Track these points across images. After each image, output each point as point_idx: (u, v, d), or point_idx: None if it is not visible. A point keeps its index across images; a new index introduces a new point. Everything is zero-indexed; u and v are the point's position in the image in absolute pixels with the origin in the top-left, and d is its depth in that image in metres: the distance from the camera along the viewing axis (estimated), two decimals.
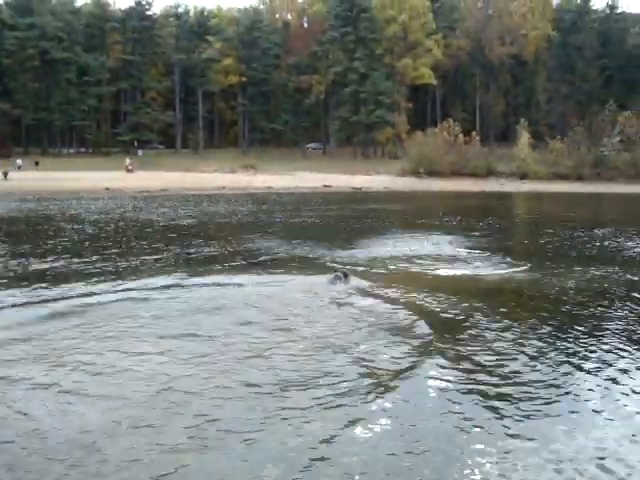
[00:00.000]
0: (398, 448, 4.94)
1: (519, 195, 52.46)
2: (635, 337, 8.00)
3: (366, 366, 6.71)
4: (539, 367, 6.80)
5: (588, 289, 11.00)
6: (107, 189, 47.23)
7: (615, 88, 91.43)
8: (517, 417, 5.54)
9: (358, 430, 5.24)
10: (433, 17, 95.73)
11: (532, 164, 68.98)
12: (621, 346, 7.53)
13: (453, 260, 14.11)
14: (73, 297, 9.72)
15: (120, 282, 11.08)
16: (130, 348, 7.26)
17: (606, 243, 18.11)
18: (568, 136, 71.86)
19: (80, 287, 10.64)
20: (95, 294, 10.01)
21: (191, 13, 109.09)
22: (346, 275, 11.05)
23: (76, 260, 13.84)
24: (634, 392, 6.10)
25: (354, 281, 10.95)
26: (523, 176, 67.49)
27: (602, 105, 78.17)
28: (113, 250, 15.90)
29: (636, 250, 16.55)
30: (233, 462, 4.72)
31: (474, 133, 75.24)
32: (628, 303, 9.76)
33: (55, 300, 9.49)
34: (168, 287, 10.67)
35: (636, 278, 12.07)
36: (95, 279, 11.38)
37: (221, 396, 5.90)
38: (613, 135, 72.27)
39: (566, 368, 6.81)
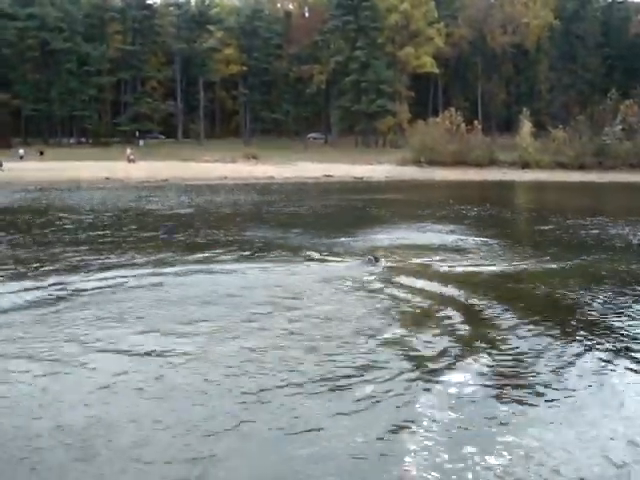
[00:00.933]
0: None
1: (522, 184, 52.42)
2: None
3: (412, 354, 6.85)
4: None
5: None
6: (108, 179, 47.20)
7: (617, 77, 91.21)
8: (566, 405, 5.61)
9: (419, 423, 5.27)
10: (435, 6, 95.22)
11: (534, 153, 68.89)
12: None
13: (463, 250, 14.11)
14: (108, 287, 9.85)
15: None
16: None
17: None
18: (570, 125, 71.75)
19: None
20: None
21: (192, 2, 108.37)
22: (377, 259, 11.91)
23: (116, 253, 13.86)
24: None
25: (384, 264, 11.70)
26: (525, 165, 67.42)
27: (604, 94, 78.08)
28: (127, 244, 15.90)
29: None
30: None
31: (476, 122, 75.08)
32: None
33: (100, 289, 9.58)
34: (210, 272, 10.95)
35: None
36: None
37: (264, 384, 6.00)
38: (615, 124, 72.16)
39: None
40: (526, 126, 71.48)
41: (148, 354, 6.72)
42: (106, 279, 10.36)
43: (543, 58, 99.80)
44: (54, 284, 9.91)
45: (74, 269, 11.51)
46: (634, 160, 67.82)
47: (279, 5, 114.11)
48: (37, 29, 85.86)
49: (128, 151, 66.37)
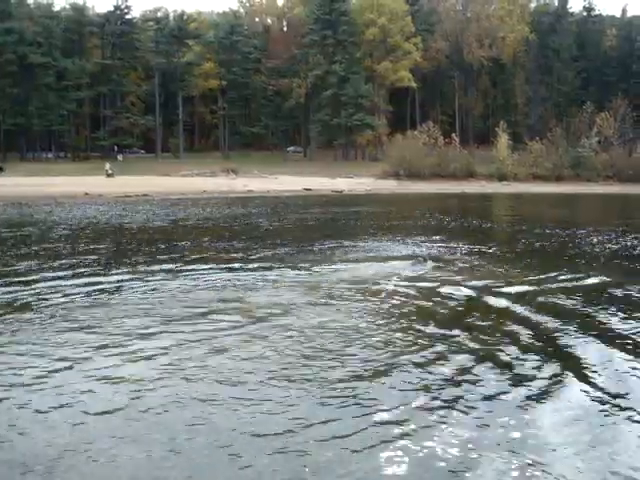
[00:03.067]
0: None
1: (500, 196, 52.83)
2: None
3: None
4: None
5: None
6: (87, 194, 46.98)
7: (592, 89, 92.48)
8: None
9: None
10: (412, 20, 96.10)
11: (511, 166, 69.62)
12: None
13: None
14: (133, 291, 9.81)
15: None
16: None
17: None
18: (547, 137, 72.64)
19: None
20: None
21: (170, 17, 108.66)
22: (425, 259, 12.95)
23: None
24: None
25: (432, 265, 12.65)
26: (502, 178, 68.09)
27: (580, 106, 79.17)
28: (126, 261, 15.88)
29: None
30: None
31: (453, 135, 75.89)
32: None
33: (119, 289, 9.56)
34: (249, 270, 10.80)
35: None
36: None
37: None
38: (591, 136, 73.16)
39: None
40: (503, 139, 72.25)
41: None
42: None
43: (519, 71, 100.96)
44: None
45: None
46: (610, 172, 68.75)
47: (258, 19, 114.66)
48: (15, 43, 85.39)
49: (107, 166, 66.20)
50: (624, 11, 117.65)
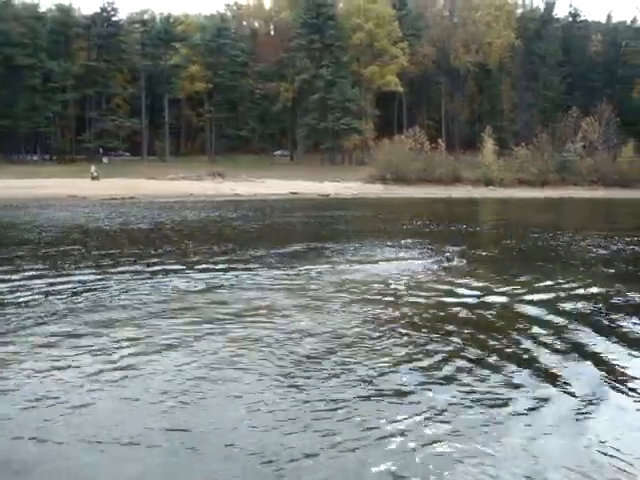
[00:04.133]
0: None
1: (486, 201, 52.98)
2: None
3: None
4: None
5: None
6: (72, 197, 46.71)
7: (578, 95, 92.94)
8: None
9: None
10: (399, 25, 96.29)
11: (497, 171, 69.86)
12: None
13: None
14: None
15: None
16: None
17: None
18: (533, 143, 72.95)
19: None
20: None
21: (157, 19, 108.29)
22: (451, 258, 13.82)
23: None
24: None
25: (458, 262, 13.67)
26: (488, 182, 68.30)
27: (565, 112, 79.61)
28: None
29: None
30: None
31: (440, 140, 76.08)
32: None
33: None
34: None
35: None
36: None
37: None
38: (576, 141, 73.58)
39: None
40: (489, 144, 72.53)
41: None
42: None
43: (505, 77, 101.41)
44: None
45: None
46: (595, 176, 69.16)
47: (245, 23, 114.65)
48: (1, 45, 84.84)
49: (92, 168, 65.84)
50: (609, 17, 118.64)
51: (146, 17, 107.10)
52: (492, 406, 5.61)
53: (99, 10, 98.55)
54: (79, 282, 11.18)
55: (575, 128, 75.10)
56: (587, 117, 75.82)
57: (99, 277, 11.78)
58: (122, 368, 6.47)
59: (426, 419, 5.30)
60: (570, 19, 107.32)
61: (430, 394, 5.84)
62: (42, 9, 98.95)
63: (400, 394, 5.83)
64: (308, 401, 5.63)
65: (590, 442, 4.95)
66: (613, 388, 6.13)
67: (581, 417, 5.45)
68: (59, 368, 6.46)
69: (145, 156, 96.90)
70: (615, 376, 6.45)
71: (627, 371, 6.61)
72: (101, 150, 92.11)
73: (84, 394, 5.78)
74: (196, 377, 6.20)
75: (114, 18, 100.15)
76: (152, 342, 7.37)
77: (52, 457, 4.66)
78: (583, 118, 75.84)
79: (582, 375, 6.46)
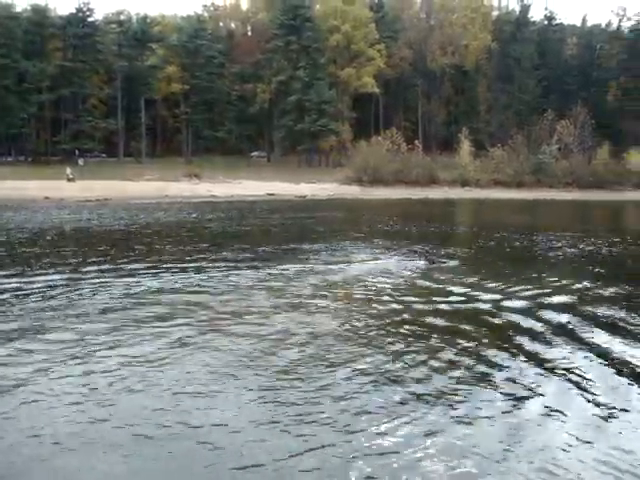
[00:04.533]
0: None
1: (462, 202, 53.26)
2: None
3: None
4: None
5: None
6: (48, 199, 46.32)
7: (553, 98, 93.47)
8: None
9: None
10: (376, 27, 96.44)
11: (473, 172, 70.25)
12: None
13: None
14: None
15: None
16: None
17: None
18: (508, 144, 73.47)
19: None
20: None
21: (134, 20, 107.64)
22: (433, 261, 14.25)
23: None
24: None
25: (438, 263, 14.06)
26: (465, 183, 68.66)
27: (541, 114, 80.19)
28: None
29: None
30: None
31: (417, 141, 76.41)
32: None
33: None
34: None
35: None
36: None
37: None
38: (551, 143, 74.20)
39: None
40: (465, 145, 72.95)
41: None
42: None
43: (482, 79, 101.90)
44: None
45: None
46: (570, 178, 69.78)
47: (222, 24, 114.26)
48: None
49: (68, 170, 65.27)
50: (584, 20, 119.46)
51: (122, 17, 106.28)
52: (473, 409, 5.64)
53: (75, 10, 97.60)
54: (48, 285, 11.10)
55: (550, 131, 75.69)
56: (562, 120, 76.45)
57: (69, 279, 11.68)
58: (102, 372, 6.45)
59: (410, 421, 5.32)
60: (545, 22, 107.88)
61: (412, 397, 5.86)
62: (17, 9, 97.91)
63: (383, 396, 5.84)
64: (287, 403, 5.63)
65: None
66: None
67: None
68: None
69: (121, 157, 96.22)
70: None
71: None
72: (77, 152, 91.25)
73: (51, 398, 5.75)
74: (176, 381, 6.18)
75: (90, 18, 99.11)
76: (129, 344, 7.33)
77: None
78: (558, 121, 76.47)
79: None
